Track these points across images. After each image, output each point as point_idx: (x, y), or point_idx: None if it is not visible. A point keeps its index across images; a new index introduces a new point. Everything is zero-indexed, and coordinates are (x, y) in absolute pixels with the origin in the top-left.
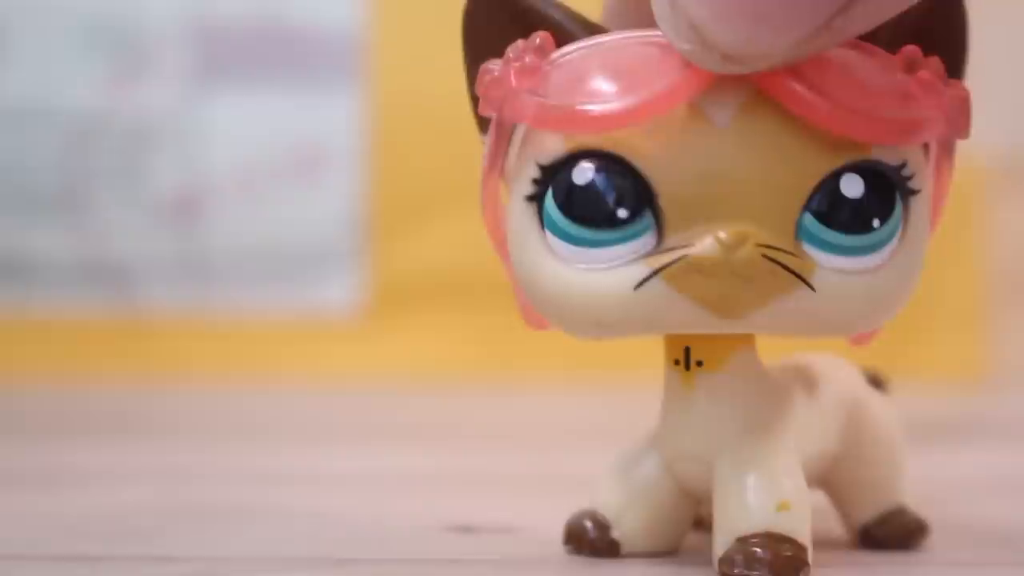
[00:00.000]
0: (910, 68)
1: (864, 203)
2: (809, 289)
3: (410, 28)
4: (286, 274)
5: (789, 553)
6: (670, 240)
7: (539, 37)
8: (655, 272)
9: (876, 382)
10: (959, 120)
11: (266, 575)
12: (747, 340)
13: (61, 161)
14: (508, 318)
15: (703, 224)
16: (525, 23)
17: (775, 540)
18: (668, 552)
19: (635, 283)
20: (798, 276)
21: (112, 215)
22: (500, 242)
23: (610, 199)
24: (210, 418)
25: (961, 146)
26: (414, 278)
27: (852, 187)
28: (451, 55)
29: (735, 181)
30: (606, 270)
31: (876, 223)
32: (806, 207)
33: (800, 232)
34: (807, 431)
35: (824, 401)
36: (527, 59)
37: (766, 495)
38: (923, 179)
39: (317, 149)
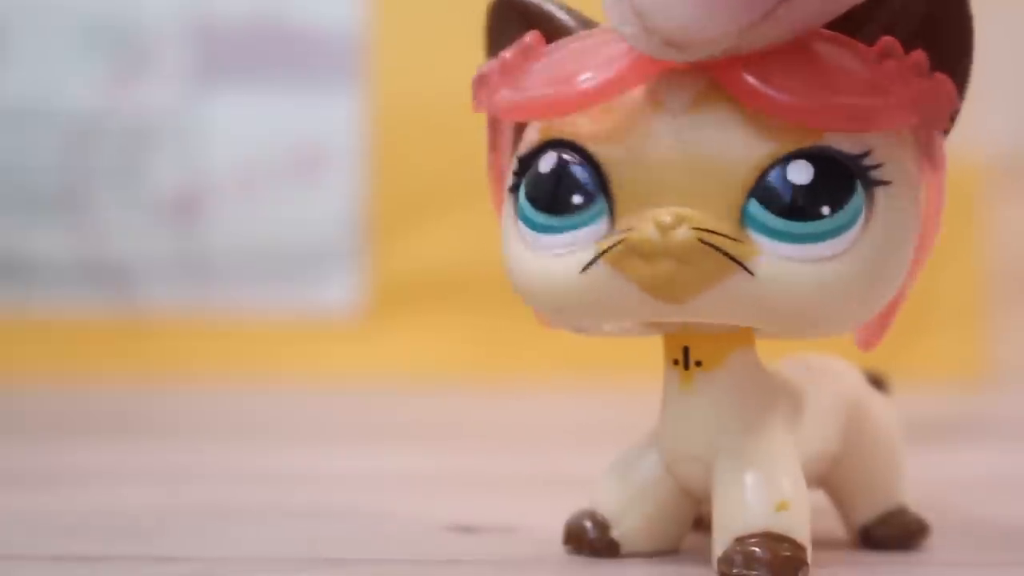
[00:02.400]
0: (882, 58)
1: (812, 190)
2: (748, 274)
3: (410, 28)
4: (286, 274)
5: (787, 553)
6: (620, 225)
7: (529, 36)
8: (598, 256)
9: (877, 382)
10: (934, 114)
11: (266, 575)
12: (746, 340)
13: (61, 161)
14: (508, 318)
15: (650, 210)
16: (535, 23)
17: (774, 540)
18: (668, 552)
19: (580, 267)
20: (734, 260)
21: (112, 215)
22: None
23: (567, 186)
24: (210, 418)
25: (961, 146)
26: (414, 278)
27: (799, 173)
28: (451, 55)
29: (684, 168)
30: (561, 256)
31: (826, 210)
32: (751, 193)
33: (745, 218)
34: (807, 431)
35: (824, 402)
36: (508, 56)
37: (765, 495)
38: (899, 172)
39: (317, 149)
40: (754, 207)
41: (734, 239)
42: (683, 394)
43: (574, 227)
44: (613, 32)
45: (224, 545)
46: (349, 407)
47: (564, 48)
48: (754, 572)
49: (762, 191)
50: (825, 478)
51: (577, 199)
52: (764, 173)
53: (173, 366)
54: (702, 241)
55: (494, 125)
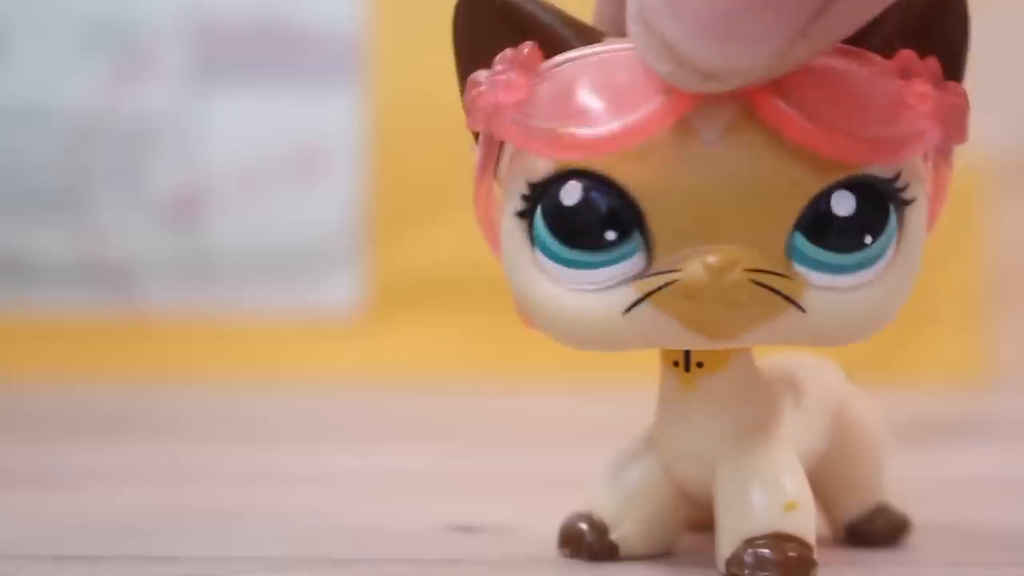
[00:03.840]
0: (905, 75)
1: (856, 220)
2: (799, 310)
3: (410, 28)
4: (286, 274)
5: (796, 553)
6: (659, 261)
7: (526, 48)
8: (644, 297)
9: None
10: (955, 126)
11: (266, 575)
12: None
13: (61, 161)
14: (508, 318)
15: (692, 245)
16: (516, 27)
17: (782, 540)
18: (665, 554)
19: (624, 307)
20: (788, 299)
21: (112, 215)
22: (495, 242)
23: (598, 221)
24: (210, 418)
25: (962, 147)
26: (414, 278)
27: (843, 205)
28: (450, 55)
29: (724, 201)
30: (596, 291)
31: (868, 239)
32: (796, 226)
33: (790, 251)
34: (800, 430)
35: (812, 400)
36: (512, 75)
37: (773, 496)
38: (919, 186)
39: (317, 149)
40: (800, 240)
41: (785, 276)
42: (684, 395)
43: (608, 264)
44: (620, 50)
45: (224, 545)
46: (349, 407)
47: (573, 71)
48: (765, 573)
49: (808, 224)
50: (811, 476)
51: (611, 235)
52: (808, 205)
53: (173, 366)
54: (754, 282)
55: (489, 143)
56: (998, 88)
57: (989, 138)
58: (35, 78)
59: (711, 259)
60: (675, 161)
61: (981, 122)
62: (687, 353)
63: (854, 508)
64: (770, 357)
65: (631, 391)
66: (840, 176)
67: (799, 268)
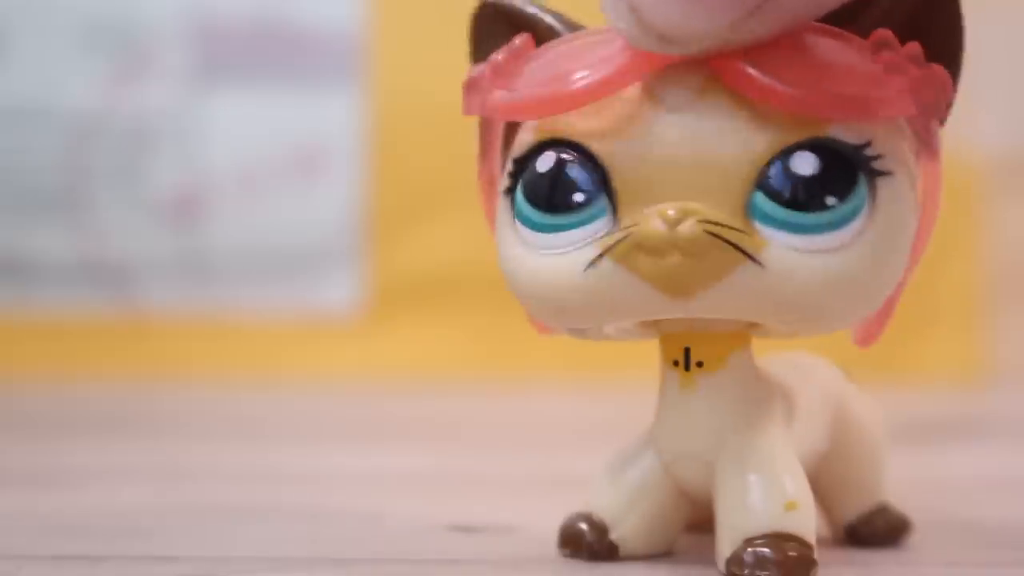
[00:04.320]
0: (877, 49)
1: (817, 180)
2: (757, 266)
3: (410, 28)
4: (286, 274)
5: (796, 553)
6: (624, 222)
7: (519, 39)
8: (603, 252)
9: None
10: (932, 102)
11: (266, 575)
12: (744, 340)
13: (61, 161)
14: (508, 318)
15: (654, 205)
16: (522, 28)
17: (782, 540)
18: (664, 553)
19: (585, 264)
20: (743, 251)
21: (112, 215)
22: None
23: (567, 183)
24: (210, 418)
25: (961, 144)
26: (414, 278)
27: (803, 164)
28: (451, 55)
29: (686, 162)
30: (563, 254)
31: (831, 201)
32: (757, 185)
33: (751, 210)
34: (800, 430)
35: (813, 400)
36: (501, 57)
37: (774, 496)
38: (898, 163)
39: (317, 149)
40: (760, 199)
41: (741, 231)
42: (684, 395)
43: (576, 225)
44: (605, 32)
45: (224, 545)
46: (349, 407)
47: (556, 49)
48: (765, 572)
49: (767, 183)
50: (812, 476)
51: (578, 197)
52: (768, 165)
53: (173, 366)
54: (709, 233)
55: (486, 128)
56: (997, 88)
57: (988, 138)
58: (35, 78)
59: (668, 211)
60: (640, 126)
61: (980, 122)
62: (687, 352)
63: (854, 508)
64: (769, 357)
65: (631, 391)
66: (801, 136)
67: (761, 227)
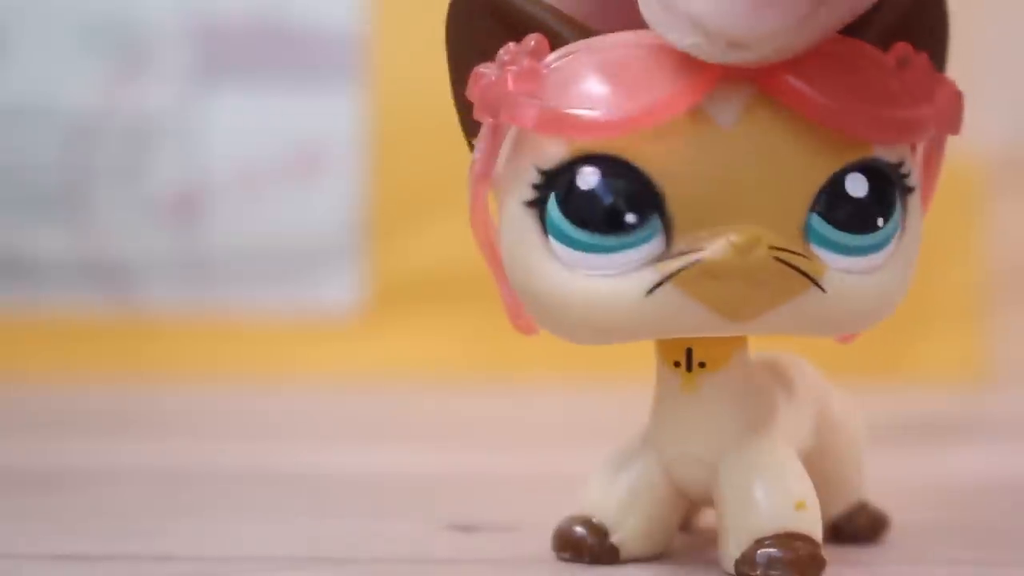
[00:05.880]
0: (902, 65)
1: (868, 202)
2: (820, 291)
3: (410, 28)
4: (286, 273)
5: (805, 551)
6: (679, 244)
7: (534, 39)
8: (667, 278)
9: None
10: (951, 117)
11: (266, 575)
12: (743, 340)
13: (61, 160)
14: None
15: (711, 227)
16: (511, 25)
17: (792, 539)
18: (663, 555)
19: (646, 289)
20: (810, 278)
21: (112, 214)
22: (490, 247)
23: (617, 204)
24: (210, 417)
25: (960, 144)
26: (414, 278)
27: (857, 187)
28: None
29: (743, 183)
30: (615, 276)
31: (880, 222)
32: (813, 207)
33: (808, 233)
34: (793, 428)
35: (799, 399)
36: (524, 63)
37: (782, 495)
38: (916, 177)
39: (317, 149)
40: (816, 221)
41: (806, 256)
42: (685, 396)
43: (627, 247)
44: (637, 40)
45: (224, 545)
46: (349, 406)
47: (582, 63)
48: (777, 572)
49: (824, 205)
50: None
51: (631, 218)
52: (824, 187)
53: (173, 365)
54: (778, 259)
55: (497, 134)
56: (997, 87)
57: (988, 137)
58: (35, 77)
59: (735, 237)
60: (692, 143)
61: (980, 121)
62: (689, 353)
63: (837, 507)
64: (755, 355)
65: (631, 391)
66: (853, 158)
67: (816, 250)
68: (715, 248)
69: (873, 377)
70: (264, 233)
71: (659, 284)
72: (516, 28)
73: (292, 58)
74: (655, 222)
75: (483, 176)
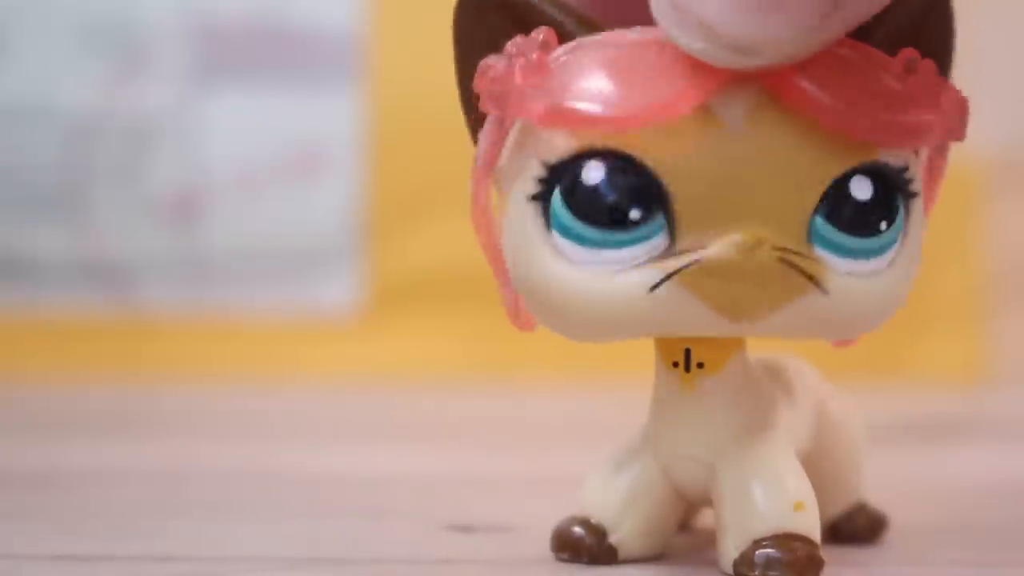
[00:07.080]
0: (908, 71)
1: (872, 206)
2: (822, 293)
3: (410, 28)
4: (286, 274)
5: (804, 552)
6: (683, 242)
7: (543, 33)
8: (670, 275)
9: None
10: (956, 123)
11: (266, 575)
12: (742, 341)
13: (61, 160)
14: (507, 318)
15: (716, 226)
16: (519, 18)
17: (790, 540)
18: (661, 555)
19: (649, 286)
20: (813, 280)
21: (112, 214)
22: (490, 242)
23: (622, 199)
24: (209, 417)
25: (960, 146)
26: (413, 278)
27: (862, 190)
28: (451, 55)
29: (747, 183)
30: (617, 272)
31: (883, 226)
32: (817, 210)
33: (811, 235)
34: (789, 429)
35: (798, 399)
36: (533, 56)
37: (780, 496)
38: (919, 182)
39: (316, 149)
40: (820, 223)
41: (810, 258)
42: (684, 397)
43: (630, 243)
44: (644, 36)
45: (224, 545)
46: (348, 407)
47: (593, 55)
48: (774, 572)
49: (829, 207)
50: None
51: (635, 214)
52: (829, 189)
53: (173, 366)
54: (781, 260)
55: (502, 128)
56: (997, 88)
57: (988, 138)
58: (35, 78)
59: (739, 237)
60: (699, 142)
61: (980, 122)
62: (687, 353)
63: (836, 507)
64: (754, 357)
65: (630, 391)
66: (858, 161)
67: (820, 252)
68: (718, 247)
69: (873, 377)
70: (263, 233)
71: (662, 281)
72: (525, 22)
73: (291, 59)
74: (659, 219)
75: (486, 169)
